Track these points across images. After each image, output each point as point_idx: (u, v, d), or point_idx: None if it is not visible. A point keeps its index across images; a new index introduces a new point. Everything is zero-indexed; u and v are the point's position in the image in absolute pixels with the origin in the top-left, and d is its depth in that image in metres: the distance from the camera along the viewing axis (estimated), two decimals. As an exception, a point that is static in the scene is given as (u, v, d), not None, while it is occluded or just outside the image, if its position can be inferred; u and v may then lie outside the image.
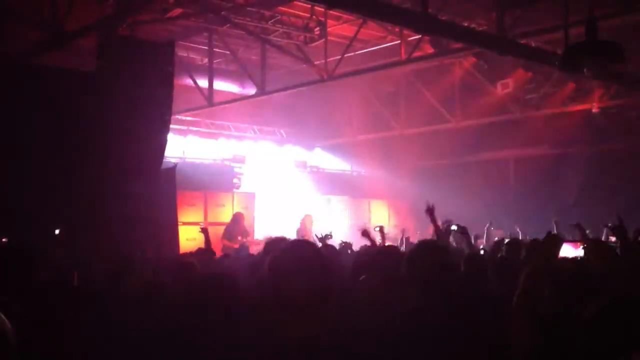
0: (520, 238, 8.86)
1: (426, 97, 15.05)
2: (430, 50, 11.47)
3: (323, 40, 11.65)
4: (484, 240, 10.77)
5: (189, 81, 13.14)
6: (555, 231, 8.45)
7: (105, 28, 9.29)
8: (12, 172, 8.23)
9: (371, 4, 8.36)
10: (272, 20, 11.40)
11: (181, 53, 12.51)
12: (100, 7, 9.92)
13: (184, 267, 5.21)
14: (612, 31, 8.52)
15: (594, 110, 13.36)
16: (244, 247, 11.77)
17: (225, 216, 14.15)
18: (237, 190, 15.50)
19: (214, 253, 7.40)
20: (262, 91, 12.57)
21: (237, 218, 13.14)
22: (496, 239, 10.49)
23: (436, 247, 3.48)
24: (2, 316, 1.99)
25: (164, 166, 10.29)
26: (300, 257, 2.38)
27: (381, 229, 8.69)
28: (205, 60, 13.30)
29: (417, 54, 11.15)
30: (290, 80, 12.98)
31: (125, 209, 9.05)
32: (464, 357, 2.94)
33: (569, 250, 6.93)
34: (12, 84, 8.49)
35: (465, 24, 10.87)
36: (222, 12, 10.81)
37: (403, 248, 8.64)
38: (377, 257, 4.65)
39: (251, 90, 13.22)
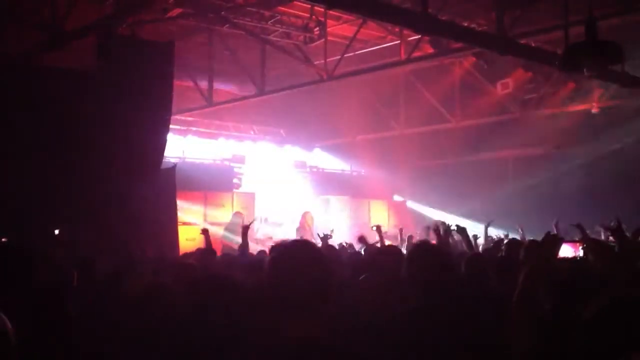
0: (521, 238, 8.86)
1: (426, 97, 15.06)
2: (430, 50, 11.47)
3: (323, 40, 11.65)
4: (483, 241, 10.76)
5: (189, 81, 13.14)
6: (555, 232, 8.44)
7: (105, 28, 9.28)
8: (12, 172, 8.23)
9: (371, 4, 8.36)
10: (272, 20, 11.40)
11: (181, 53, 12.49)
12: (100, 7, 9.92)
13: (183, 268, 5.22)
14: (612, 31, 8.52)
15: (594, 110, 13.36)
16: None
17: (225, 216, 14.15)
18: (236, 190, 15.50)
19: (214, 253, 7.40)
20: (261, 91, 12.57)
21: (236, 218, 13.13)
22: (495, 238, 10.50)
23: (436, 248, 3.49)
24: (3, 316, 2.00)
25: (163, 166, 10.30)
26: (300, 257, 2.38)
27: (378, 229, 8.68)
28: (205, 60, 13.30)
29: (416, 54, 11.15)
30: (290, 80, 12.97)
31: (125, 209, 9.06)
32: (463, 357, 2.94)
33: (569, 251, 6.94)
34: (12, 84, 8.49)
35: (465, 24, 10.87)
36: (222, 12, 10.81)
37: (404, 248, 8.63)
38: (377, 257, 4.65)
39: (251, 91, 13.22)
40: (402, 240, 10.48)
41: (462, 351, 2.92)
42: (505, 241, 7.63)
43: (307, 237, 12.81)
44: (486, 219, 11.77)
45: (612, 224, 8.23)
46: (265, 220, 7.87)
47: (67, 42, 9.43)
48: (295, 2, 10.85)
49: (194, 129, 15.53)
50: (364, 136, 16.90)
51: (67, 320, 3.29)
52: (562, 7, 8.34)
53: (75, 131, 8.81)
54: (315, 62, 12.04)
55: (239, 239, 7.34)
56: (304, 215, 14.35)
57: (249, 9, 10.99)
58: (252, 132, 16.92)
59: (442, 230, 6.93)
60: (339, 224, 15.11)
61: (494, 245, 8.79)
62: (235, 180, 15.65)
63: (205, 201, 14.56)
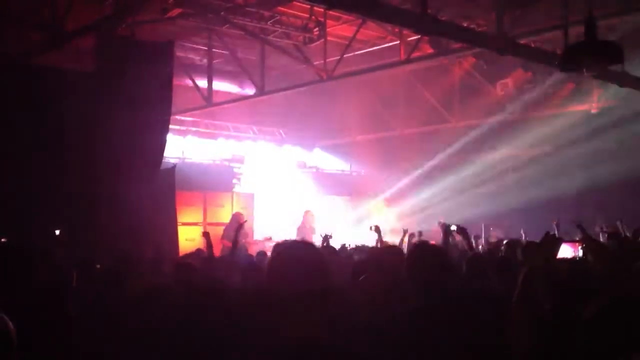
0: (522, 239, 8.85)
1: (425, 98, 15.06)
2: (430, 51, 11.48)
3: (322, 40, 11.65)
4: (483, 241, 10.77)
5: (188, 81, 13.14)
6: (556, 233, 8.44)
7: (105, 28, 9.29)
8: (12, 172, 8.24)
9: (371, 4, 8.35)
10: (272, 21, 11.40)
11: (180, 53, 12.50)
12: (100, 7, 9.92)
13: (183, 268, 5.22)
14: (611, 31, 8.53)
15: (593, 110, 13.36)
16: (243, 248, 11.77)
17: (225, 216, 14.16)
18: (236, 191, 15.51)
19: (214, 257, 7.38)
20: (261, 91, 12.56)
21: (236, 218, 13.14)
22: (494, 239, 10.51)
23: (436, 248, 3.49)
24: (5, 317, 2.00)
25: (163, 166, 10.30)
26: (299, 257, 2.38)
27: (377, 229, 8.67)
28: (205, 60, 13.30)
29: (416, 54, 11.15)
30: (289, 80, 12.97)
31: (125, 210, 9.06)
32: (463, 357, 2.95)
33: (568, 251, 6.95)
34: (12, 84, 8.50)
35: (465, 24, 10.87)
36: (222, 12, 10.80)
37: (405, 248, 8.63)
38: (377, 257, 4.65)
39: (250, 91, 13.22)
40: (402, 240, 10.46)
41: (462, 351, 2.92)
42: (505, 241, 7.63)
43: (308, 236, 12.83)
44: (486, 219, 11.79)
45: (605, 230, 8.26)
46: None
47: (66, 42, 9.43)
48: (294, 3, 10.85)
49: (194, 129, 15.53)
50: (363, 136, 16.91)
51: (67, 320, 3.29)
52: (562, 7, 8.33)
53: (75, 131, 8.82)
54: (315, 62, 12.04)
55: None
56: (305, 214, 14.36)
57: (248, 9, 10.99)
58: (251, 132, 16.92)
59: (442, 231, 6.93)
60: (338, 225, 15.13)
61: (493, 245, 8.80)
62: (234, 181, 15.66)
63: (205, 201, 14.57)
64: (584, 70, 7.55)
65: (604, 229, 8.78)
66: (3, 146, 8.33)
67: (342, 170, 18.52)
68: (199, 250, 8.61)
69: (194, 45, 13.21)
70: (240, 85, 14.04)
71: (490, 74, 13.49)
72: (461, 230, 6.84)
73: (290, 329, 2.25)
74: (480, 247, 9.12)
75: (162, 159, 10.10)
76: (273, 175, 16.41)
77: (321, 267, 2.38)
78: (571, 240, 7.60)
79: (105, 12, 9.75)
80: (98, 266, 6.12)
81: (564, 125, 14.10)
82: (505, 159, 16.13)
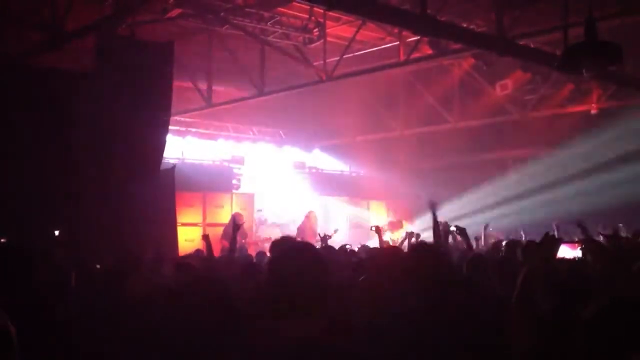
0: (522, 240, 8.85)
1: (425, 98, 15.06)
2: (429, 52, 11.48)
3: (322, 41, 11.66)
4: (482, 242, 10.76)
5: (188, 82, 13.14)
6: (556, 234, 8.45)
7: (105, 28, 9.29)
8: (12, 172, 8.24)
9: (370, 5, 8.36)
10: (271, 22, 11.40)
11: (180, 53, 12.49)
12: (100, 8, 9.92)
13: (183, 269, 5.22)
14: (611, 32, 8.53)
15: (593, 111, 13.37)
16: (242, 248, 11.77)
17: (224, 217, 14.16)
18: (236, 191, 15.50)
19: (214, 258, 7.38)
20: (261, 92, 12.57)
21: (235, 219, 13.13)
22: (493, 239, 10.51)
23: (436, 248, 3.49)
24: (6, 316, 2.00)
25: (163, 167, 10.29)
26: (298, 258, 2.38)
27: (377, 229, 8.68)
28: (205, 61, 13.30)
29: (415, 55, 11.16)
30: (289, 81, 12.97)
31: (124, 210, 9.06)
32: (463, 357, 2.95)
33: (567, 251, 6.95)
34: (12, 84, 8.50)
35: (464, 25, 10.88)
36: (222, 13, 10.81)
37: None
38: (378, 257, 4.66)
39: (250, 91, 13.22)
40: (402, 241, 10.45)
41: (462, 351, 2.93)
42: (504, 242, 7.64)
43: (308, 237, 12.83)
44: (485, 220, 11.78)
45: (603, 232, 8.25)
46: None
47: (66, 42, 9.43)
48: (294, 3, 10.85)
49: (193, 129, 15.54)
50: (363, 137, 16.91)
51: (67, 320, 3.29)
52: (562, 7, 8.34)
53: (75, 132, 8.82)
54: (315, 63, 12.05)
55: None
56: (308, 216, 14.35)
57: (248, 10, 10.99)
58: (251, 133, 16.92)
59: (442, 231, 6.93)
60: (338, 225, 15.13)
61: (492, 246, 8.80)
62: (234, 181, 15.66)
63: (205, 202, 14.56)
64: (583, 70, 7.54)
65: (603, 232, 8.78)
66: (3, 146, 8.33)
67: (341, 171, 18.53)
68: (198, 251, 8.62)
69: (194, 46, 13.20)
70: (240, 86, 14.03)
71: (490, 75, 13.50)
72: (461, 230, 6.85)
73: (290, 329, 2.25)
74: (479, 247, 9.11)
75: (161, 160, 10.09)
76: (272, 176, 16.41)
77: (321, 268, 2.39)
78: (570, 241, 7.61)
79: (105, 12, 9.75)
80: (98, 266, 6.13)
81: (563, 125, 14.10)
82: (504, 160, 16.09)
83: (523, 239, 10.61)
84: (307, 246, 2.57)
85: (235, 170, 15.81)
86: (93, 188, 8.85)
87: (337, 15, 11.32)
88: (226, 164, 15.83)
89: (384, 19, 9.38)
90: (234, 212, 14.05)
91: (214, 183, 14.95)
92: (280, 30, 11.62)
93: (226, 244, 12.28)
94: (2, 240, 5.73)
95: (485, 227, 11.18)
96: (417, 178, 16.66)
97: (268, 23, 11.38)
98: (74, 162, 8.79)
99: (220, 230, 13.05)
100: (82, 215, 8.67)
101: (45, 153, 8.58)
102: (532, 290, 2.91)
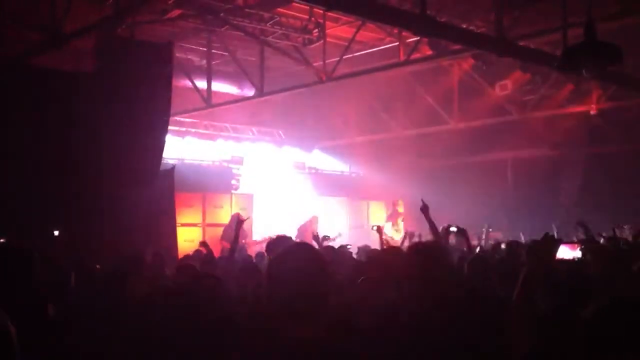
0: (522, 241, 8.86)
1: (425, 99, 15.06)
2: (429, 52, 11.48)
3: (321, 41, 11.65)
4: (482, 242, 10.77)
5: (188, 82, 13.13)
6: (555, 233, 8.45)
7: (104, 29, 9.29)
8: (12, 172, 8.24)
9: (370, 6, 8.37)
10: (271, 22, 11.39)
11: (180, 54, 12.50)
12: (99, 8, 9.91)
13: (184, 270, 5.22)
14: (611, 32, 8.53)
15: (592, 112, 13.37)
16: (242, 249, 11.76)
17: (224, 217, 14.15)
18: (235, 192, 15.50)
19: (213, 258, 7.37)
20: (260, 92, 12.57)
21: (235, 219, 13.11)
22: (492, 241, 10.52)
23: (436, 248, 3.49)
24: (6, 316, 2.00)
25: (162, 167, 10.30)
26: (298, 259, 2.38)
27: (379, 229, 8.68)
28: (204, 61, 13.30)
29: (415, 55, 11.15)
30: (288, 81, 12.97)
31: (124, 210, 9.07)
32: (463, 357, 2.95)
33: (567, 252, 6.95)
34: (11, 85, 8.50)
35: (464, 26, 10.88)
36: (221, 14, 10.80)
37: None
38: (378, 257, 4.66)
39: (250, 92, 13.23)
40: (402, 242, 10.46)
41: (462, 351, 2.93)
42: (503, 244, 7.64)
43: (308, 239, 12.80)
44: (485, 220, 11.79)
45: (603, 234, 8.25)
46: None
47: (65, 43, 9.43)
48: (294, 4, 10.84)
49: (193, 130, 15.53)
50: (362, 137, 16.91)
51: (67, 320, 3.29)
52: (561, 8, 8.35)
53: (74, 132, 8.82)
54: (314, 64, 12.05)
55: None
56: (311, 220, 14.31)
57: (247, 10, 10.98)
58: (250, 133, 16.92)
59: (442, 232, 6.93)
60: (337, 225, 15.12)
61: (492, 247, 8.81)
62: (233, 182, 15.66)
63: (204, 202, 14.56)
64: (583, 71, 7.55)
65: (603, 234, 8.79)
66: (3, 146, 8.33)
67: (341, 172, 18.52)
68: (197, 252, 8.62)
69: (194, 46, 13.21)
70: (240, 87, 14.05)
71: (489, 75, 13.50)
72: (460, 231, 6.85)
73: (290, 329, 2.25)
74: (478, 248, 9.12)
75: (161, 160, 10.10)
76: (272, 176, 16.40)
77: (321, 268, 2.39)
78: (570, 242, 7.61)
79: (105, 13, 9.75)
80: (98, 266, 6.13)
81: (563, 126, 14.11)
82: (504, 161, 16.10)
83: (522, 240, 10.65)
84: (306, 247, 2.56)
85: (234, 171, 15.81)
86: (92, 188, 8.86)
87: (336, 15, 11.32)
88: (225, 164, 15.83)
89: (384, 19, 9.38)
90: (233, 212, 14.03)
91: (213, 183, 14.95)
92: (279, 31, 11.61)
93: (226, 244, 12.28)
94: (2, 240, 5.73)
95: (486, 228, 11.20)
96: (416, 178, 16.66)
97: (268, 24, 11.37)
98: (74, 162, 8.79)
99: (220, 230, 13.05)
100: (82, 215, 8.67)
101: (45, 153, 8.59)
102: (532, 290, 2.91)
